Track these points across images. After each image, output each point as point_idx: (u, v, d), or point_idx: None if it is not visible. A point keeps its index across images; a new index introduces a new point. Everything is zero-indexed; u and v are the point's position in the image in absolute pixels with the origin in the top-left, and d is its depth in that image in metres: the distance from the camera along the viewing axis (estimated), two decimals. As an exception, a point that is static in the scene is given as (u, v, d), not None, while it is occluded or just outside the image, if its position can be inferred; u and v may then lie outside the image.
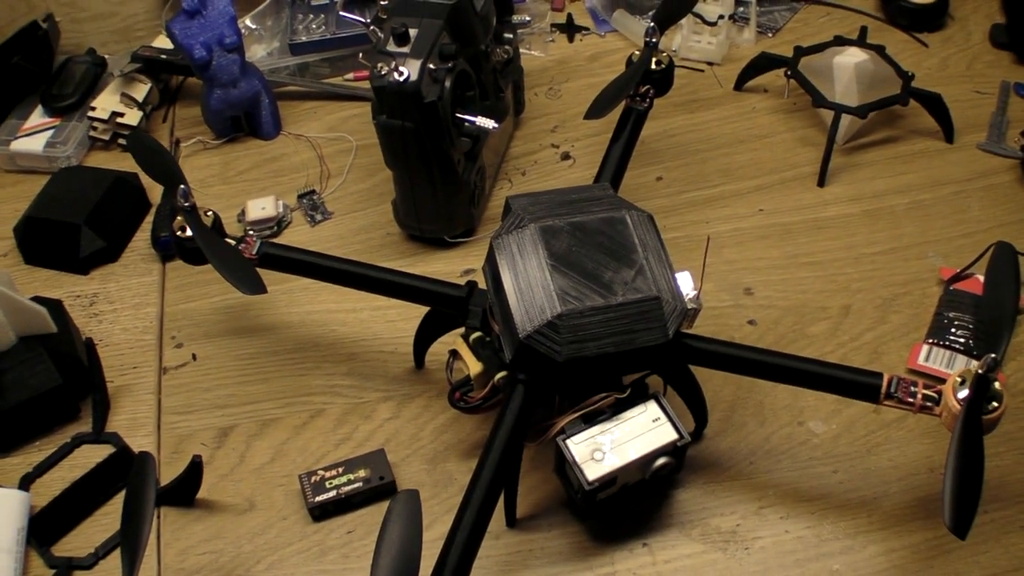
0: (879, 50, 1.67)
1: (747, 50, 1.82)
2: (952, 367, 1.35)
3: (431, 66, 1.35)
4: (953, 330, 1.39)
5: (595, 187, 1.25)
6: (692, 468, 1.29)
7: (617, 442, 1.15)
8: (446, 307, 1.28)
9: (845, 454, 1.30)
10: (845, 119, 1.61)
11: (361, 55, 1.44)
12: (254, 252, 1.29)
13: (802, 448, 1.31)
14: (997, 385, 1.07)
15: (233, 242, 1.29)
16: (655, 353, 1.13)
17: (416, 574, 0.97)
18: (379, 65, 1.33)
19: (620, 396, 1.17)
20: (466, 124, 1.42)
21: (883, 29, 1.86)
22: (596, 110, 1.42)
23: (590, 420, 1.16)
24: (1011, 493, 1.25)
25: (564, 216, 1.17)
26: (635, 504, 1.26)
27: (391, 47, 1.35)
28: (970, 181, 1.61)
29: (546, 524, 1.26)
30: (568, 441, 1.15)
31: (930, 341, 1.39)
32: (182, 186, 1.25)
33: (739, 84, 1.77)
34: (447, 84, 1.36)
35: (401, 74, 1.33)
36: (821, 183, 1.60)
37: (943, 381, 1.11)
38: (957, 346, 1.37)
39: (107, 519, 1.30)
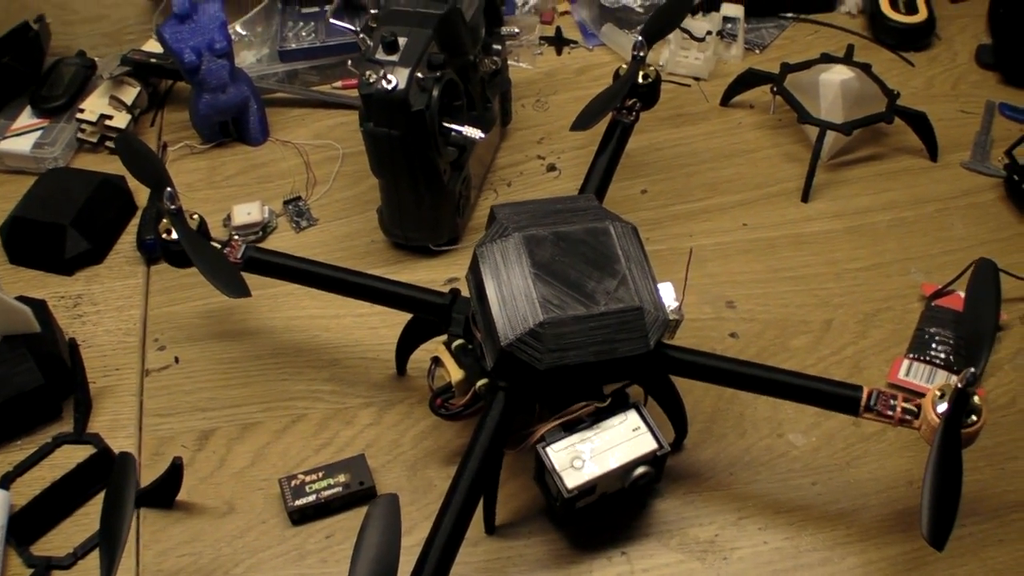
0: (865, 68, 1.68)
1: (734, 66, 1.82)
2: (932, 382, 1.36)
3: (419, 75, 1.35)
4: (934, 345, 1.40)
5: (580, 198, 1.25)
6: (671, 478, 1.29)
7: (597, 451, 1.15)
8: (429, 314, 1.28)
9: (824, 466, 1.31)
10: (830, 136, 1.62)
11: (350, 62, 1.44)
12: (239, 256, 1.30)
13: (782, 460, 1.31)
14: (976, 399, 1.08)
15: (218, 246, 1.30)
16: (636, 363, 1.13)
17: (394, 577, 0.97)
18: (367, 73, 1.34)
19: (600, 405, 1.17)
20: (453, 133, 1.42)
21: (870, 48, 1.87)
22: (583, 122, 1.42)
23: (570, 428, 1.17)
24: (989, 507, 1.26)
25: (548, 226, 1.17)
26: (614, 513, 1.26)
27: (380, 55, 1.36)
28: (953, 199, 1.62)
29: (525, 531, 1.26)
30: (548, 449, 1.15)
31: (911, 356, 1.40)
32: (168, 189, 1.26)
33: (725, 99, 1.78)
34: (435, 93, 1.36)
35: (389, 82, 1.33)
36: (805, 199, 1.61)
37: (923, 396, 1.12)
38: (937, 361, 1.38)
39: (87, 519, 1.30)
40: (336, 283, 1.31)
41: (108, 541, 1.07)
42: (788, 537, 1.24)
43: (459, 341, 1.23)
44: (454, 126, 1.41)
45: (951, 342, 1.40)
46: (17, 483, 1.33)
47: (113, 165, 1.68)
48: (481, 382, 1.18)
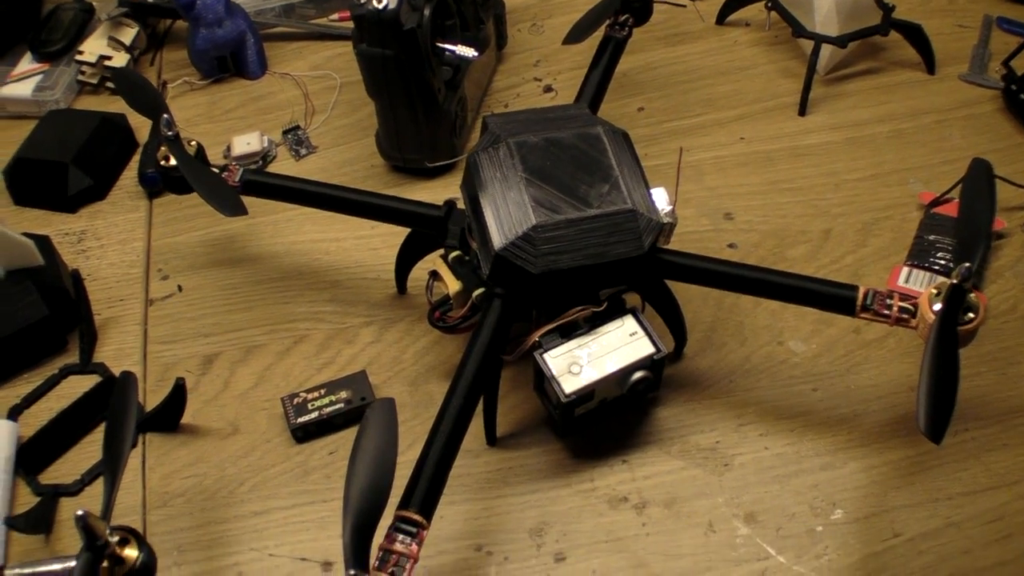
0: (860, -18, 1.68)
1: (729, -15, 1.82)
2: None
3: (410, -6, 1.36)
4: (933, 252, 1.40)
5: (570, 106, 1.26)
6: (672, 386, 1.30)
7: (594, 356, 1.16)
8: (425, 227, 1.29)
9: (825, 373, 1.31)
10: (826, 49, 1.61)
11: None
12: (236, 179, 1.31)
13: (782, 367, 1.32)
14: (973, 296, 1.08)
15: (216, 170, 1.30)
16: (630, 266, 1.14)
17: (391, 477, 0.98)
18: (360, -7, 1.35)
19: (596, 309, 1.17)
20: (446, 53, 1.43)
21: (865, -37, 1.86)
22: (575, 35, 1.43)
23: (567, 334, 1.17)
24: (992, 412, 1.26)
25: (539, 132, 1.18)
26: (614, 421, 1.27)
27: (372, -24, 1.37)
28: (951, 111, 1.61)
29: (526, 442, 1.27)
30: (545, 355, 1.16)
31: (910, 263, 1.40)
32: (165, 115, 1.26)
33: (721, 18, 1.78)
34: (426, 12, 1.36)
35: (380, 2, 1.33)
36: (802, 112, 1.61)
37: (917, 298, 1.12)
38: (937, 267, 1.38)
39: (93, 447, 1.31)
40: (333, 201, 1.32)
41: (110, 458, 1.08)
42: (789, 443, 1.25)
43: (456, 253, 1.24)
44: (447, 45, 1.42)
45: (951, 248, 1.39)
46: (25, 414, 1.35)
47: (114, 105, 1.70)
48: (478, 291, 1.19)
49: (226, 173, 1.31)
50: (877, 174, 1.52)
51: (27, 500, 1.27)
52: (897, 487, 1.21)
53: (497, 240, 1.11)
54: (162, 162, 1.31)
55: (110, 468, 1.07)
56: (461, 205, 1.25)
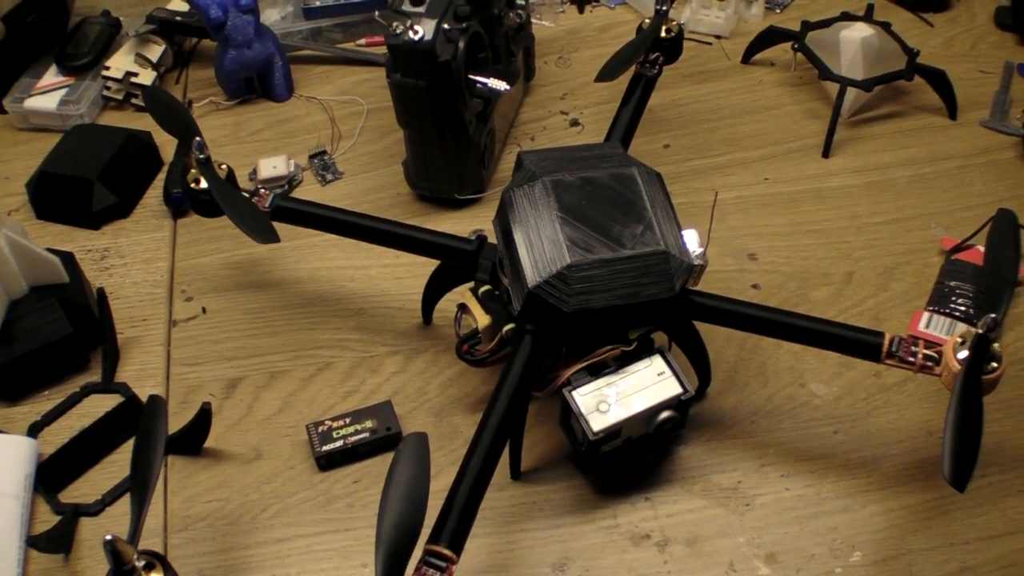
0: (885, 26, 1.68)
1: (754, 24, 1.83)
2: (951, 334, 1.36)
3: (445, 26, 1.36)
4: (954, 298, 1.40)
5: (604, 145, 1.27)
6: (695, 425, 1.30)
7: (622, 394, 1.16)
8: (456, 260, 1.29)
9: (846, 415, 1.31)
10: (850, 92, 1.62)
11: (377, 14, 1.45)
12: (267, 204, 1.31)
13: (803, 409, 1.32)
14: (997, 346, 1.09)
15: (247, 195, 1.31)
16: (661, 307, 1.14)
17: (423, 514, 0.98)
18: (394, 24, 1.35)
19: (626, 349, 1.18)
20: (478, 85, 1.44)
21: (889, 8, 1.87)
22: (607, 73, 1.44)
23: (596, 372, 1.18)
24: (1009, 458, 1.27)
25: (575, 171, 1.19)
26: (638, 459, 1.27)
27: (407, 7, 1.37)
28: (972, 157, 1.62)
29: (550, 477, 1.27)
30: (574, 392, 1.16)
31: (931, 309, 1.40)
32: (197, 138, 1.27)
33: (746, 57, 1.79)
34: (461, 45, 1.37)
35: (416, 33, 1.34)
36: (826, 154, 1.62)
37: (942, 345, 1.13)
38: (957, 314, 1.39)
39: (114, 467, 1.31)
40: (364, 231, 1.32)
41: (138, 483, 1.08)
42: (810, 484, 1.25)
43: (486, 287, 1.24)
44: (479, 78, 1.43)
45: (971, 295, 1.40)
46: (45, 432, 1.35)
47: (139, 121, 1.71)
48: (508, 327, 1.19)
49: (256, 198, 1.31)
50: (898, 218, 1.53)
51: (46, 518, 1.27)
52: (915, 531, 1.21)
53: (531, 277, 1.12)
54: (192, 184, 1.31)
55: (138, 493, 1.07)
56: (491, 238, 1.25)
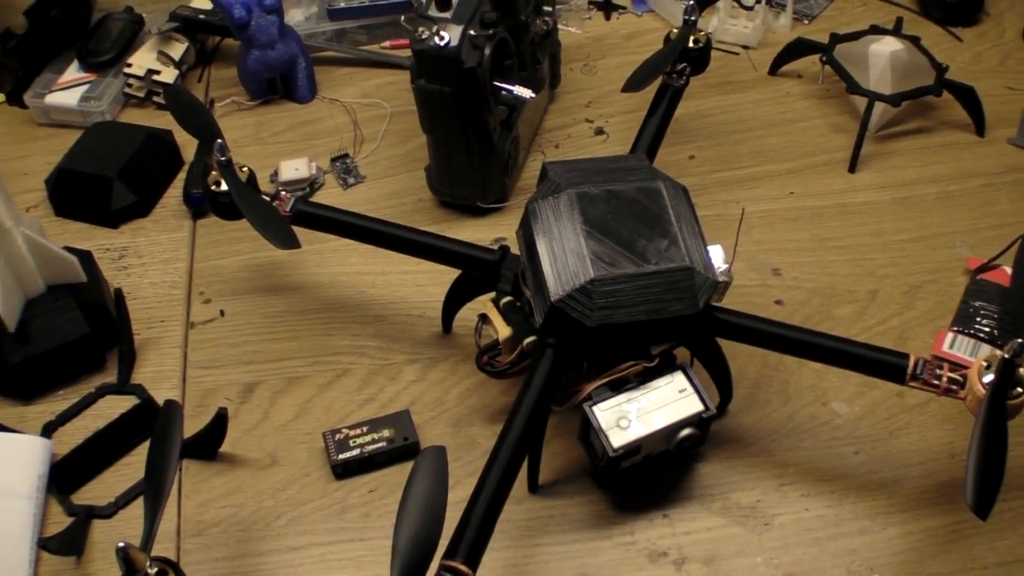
0: (914, 41, 1.67)
1: (782, 36, 1.82)
2: (976, 355, 1.35)
3: (472, 32, 1.36)
4: (978, 319, 1.39)
5: (631, 157, 1.26)
6: (715, 443, 1.29)
7: (643, 411, 1.15)
8: (478, 270, 1.29)
9: (867, 436, 1.30)
10: (878, 107, 1.61)
11: (403, 18, 1.44)
12: (288, 209, 1.30)
13: (825, 428, 1.31)
14: (1022, 371, 1.07)
15: (268, 198, 1.30)
16: (684, 323, 1.13)
17: (440, 527, 0.97)
18: (420, 29, 1.34)
19: (648, 365, 1.17)
20: (503, 92, 1.43)
21: (918, 22, 1.86)
22: (634, 83, 1.42)
23: (617, 388, 1.17)
24: (1029, 483, 1.26)
25: (600, 183, 1.18)
26: (656, 476, 1.26)
27: (433, 12, 1.37)
28: (999, 175, 1.61)
29: (568, 491, 1.26)
30: (595, 408, 1.15)
31: (955, 329, 1.39)
32: (219, 140, 1.26)
33: (774, 69, 1.78)
34: (487, 51, 1.36)
35: (442, 39, 1.33)
36: (852, 169, 1.61)
37: (968, 368, 1.12)
38: (982, 335, 1.37)
39: (129, 469, 1.31)
40: (386, 238, 1.32)
41: (153, 488, 1.07)
42: (830, 505, 1.24)
43: (507, 298, 1.23)
44: (505, 85, 1.42)
45: (996, 316, 1.39)
46: (59, 432, 1.34)
47: (160, 120, 1.70)
48: (529, 339, 1.18)
49: (277, 202, 1.30)
50: (924, 236, 1.52)
51: (58, 519, 1.26)
52: (933, 555, 1.20)
53: (553, 290, 1.11)
54: (212, 186, 1.30)
55: (152, 499, 1.06)
56: (513, 248, 1.24)
